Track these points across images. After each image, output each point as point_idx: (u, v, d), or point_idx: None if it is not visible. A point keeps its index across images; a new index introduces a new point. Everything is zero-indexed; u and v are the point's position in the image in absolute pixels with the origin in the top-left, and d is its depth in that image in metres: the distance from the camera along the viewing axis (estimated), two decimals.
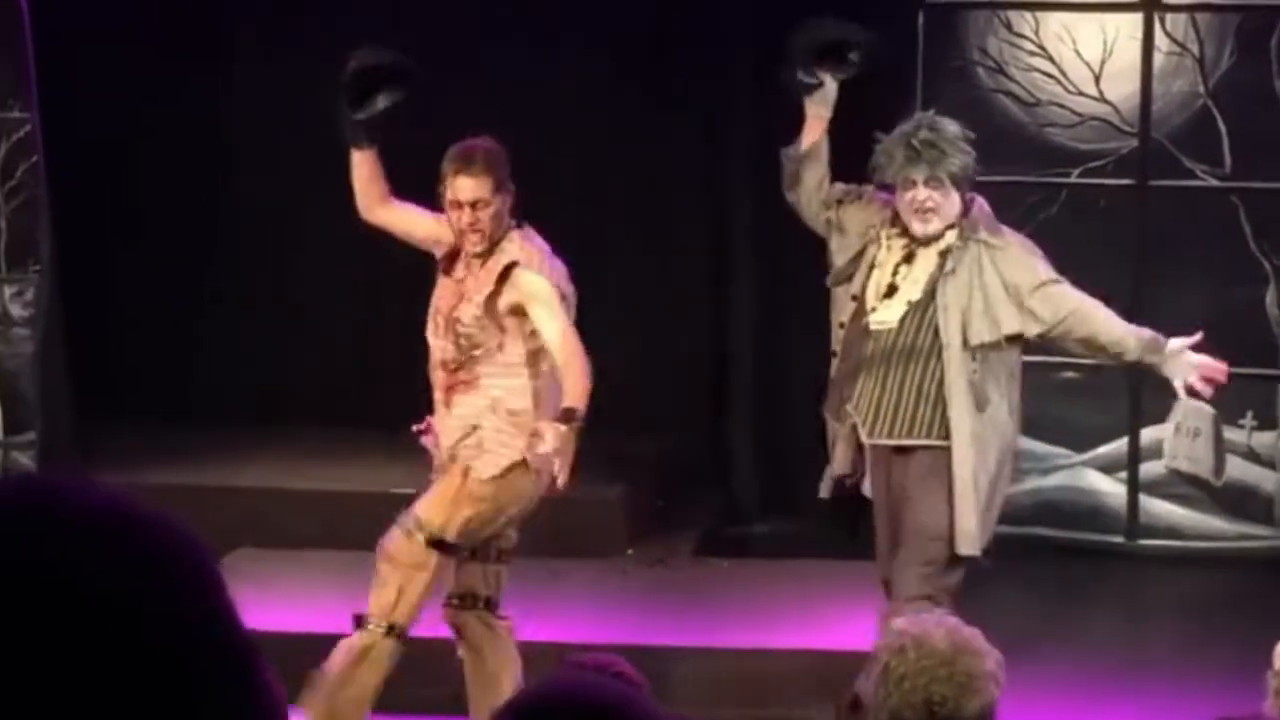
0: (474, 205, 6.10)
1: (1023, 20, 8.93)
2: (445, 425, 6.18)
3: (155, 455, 9.04)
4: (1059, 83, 8.93)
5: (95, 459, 8.83)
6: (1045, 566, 8.65)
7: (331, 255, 9.24)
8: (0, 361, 8.70)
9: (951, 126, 6.35)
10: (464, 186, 6.09)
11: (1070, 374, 8.95)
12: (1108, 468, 8.98)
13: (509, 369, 6.18)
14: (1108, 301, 8.87)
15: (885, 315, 6.28)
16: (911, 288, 6.26)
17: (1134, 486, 8.94)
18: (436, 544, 5.99)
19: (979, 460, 6.17)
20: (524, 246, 6.17)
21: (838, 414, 6.37)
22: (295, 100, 9.57)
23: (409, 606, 5.92)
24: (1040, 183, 8.90)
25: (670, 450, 9.48)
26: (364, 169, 6.25)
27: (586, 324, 9.98)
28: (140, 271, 9.74)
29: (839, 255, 6.42)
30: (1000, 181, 8.94)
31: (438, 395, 6.21)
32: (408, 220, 6.34)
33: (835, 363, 6.41)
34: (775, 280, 9.11)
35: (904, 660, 3.42)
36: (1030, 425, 9.00)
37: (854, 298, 6.33)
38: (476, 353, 6.14)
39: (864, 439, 6.29)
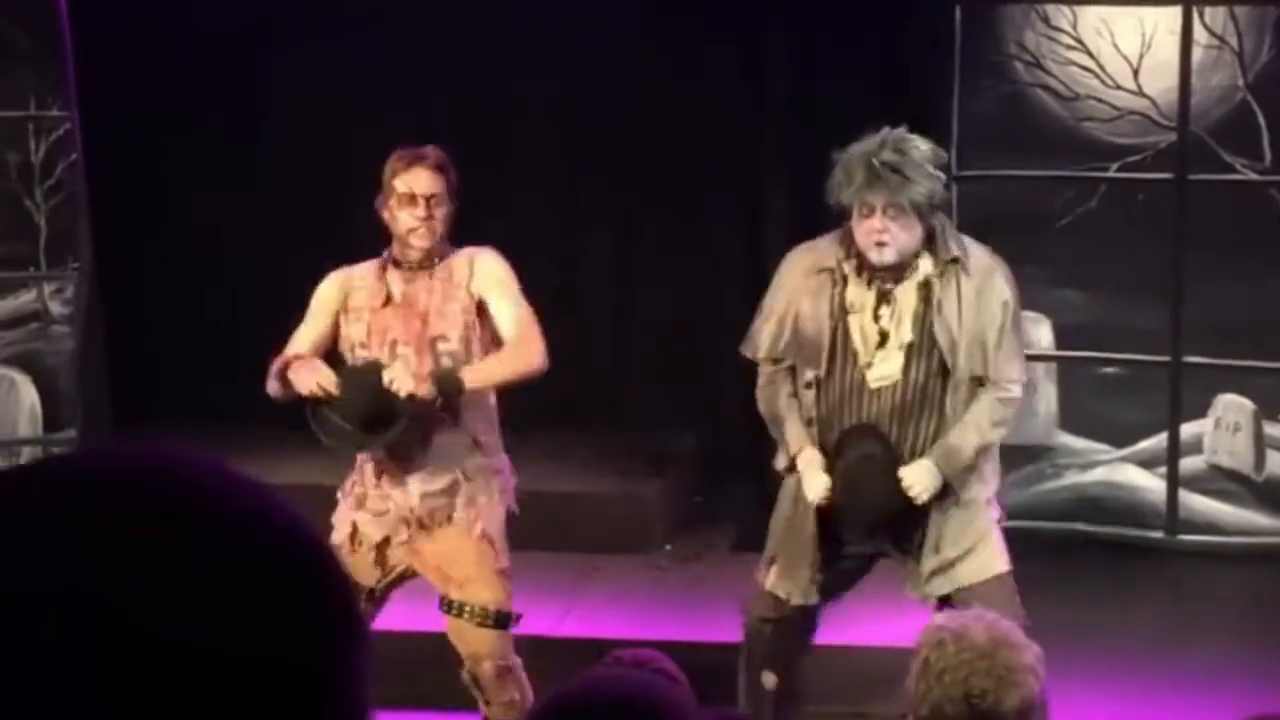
0: (429, 200, 5.68)
1: (1060, 14, 8.90)
2: (420, 471, 5.70)
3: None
4: (1097, 77, 8.89)
5: None
6: (1084, 562, 8.63)
7: (366, 257, 9.25)
8: (40, 359, 8.74)
9: (920, 147, 5.61)
10: (421, 178, 5.68)
11: (1110, 370, 8.92)
12: (1147, 463, 8.94)
13: (485, 395, 5.76)
14: (1149, 298, 8.87)
15: (885, 369, 5.61)
16: (901, 330, 5.60)
17: (1174, 482, 8.91)
18: (506, 620, 5.73)
19: (981, 487, 5.71)
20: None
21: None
22: (332, 102, 9.60)
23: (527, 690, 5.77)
24: (1079, 177, 8.87)
25: (708, 446, 9.48)
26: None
27: (622, 320, 10.02)
28: (177, 270, 9.76)
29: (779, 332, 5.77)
30: (1038, 176, 8.93)
31: (410, 437, 5.63)
32: (316, 342, 5.81)
33: (813, 431, 5.68)
34: None
35: (943, 654, 3.42)
36: (1070, 421, 9.00)
37: (829, 352, 5.63)
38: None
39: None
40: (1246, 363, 8.76)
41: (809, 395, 5.69)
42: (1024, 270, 8.72)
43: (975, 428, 5.57)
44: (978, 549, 5.63)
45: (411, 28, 9.60)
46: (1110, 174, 8.87)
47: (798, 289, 5.70)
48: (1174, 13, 8.78)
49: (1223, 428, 8.90)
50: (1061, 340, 8.93)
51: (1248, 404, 8.84)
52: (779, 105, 9.48)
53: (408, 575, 5.81)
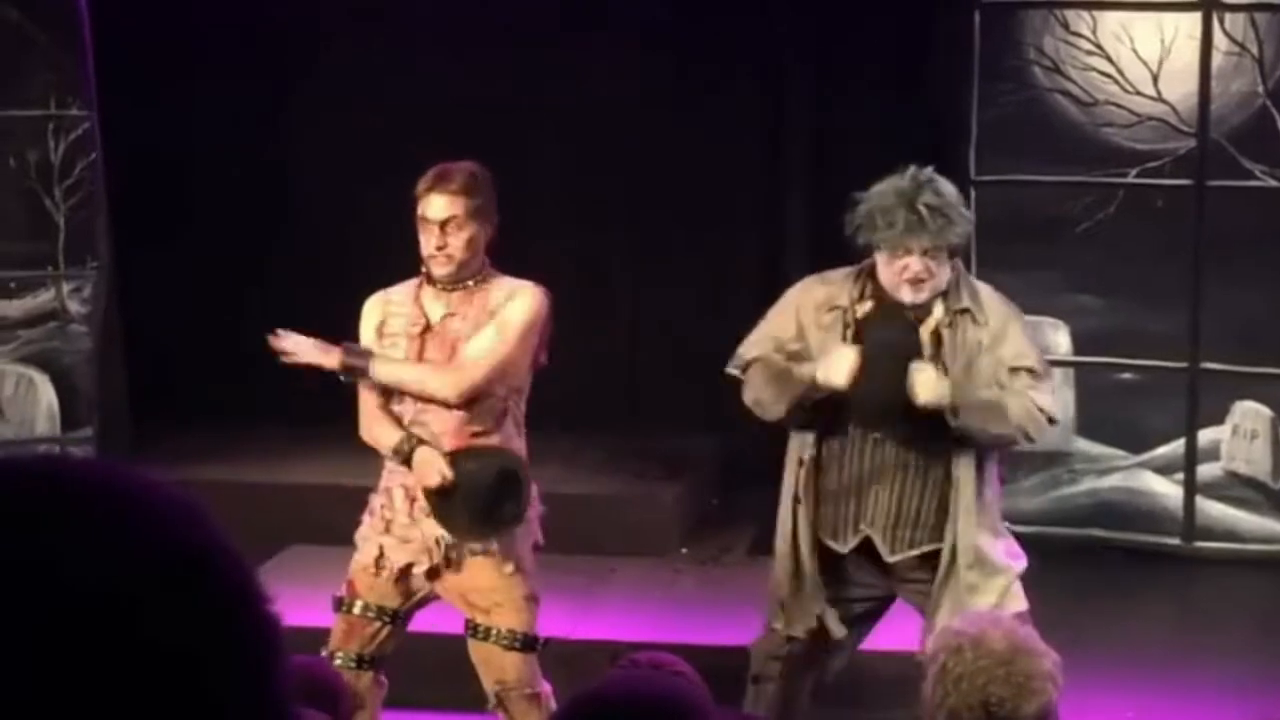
0: (444, 225, 5.54)
1: (1080, 19, 8.89)
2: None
3: (208, 452, 9.08)
4: (1116, 82, 8.88)
5: (149, 455, 8.87)
6: (1101, 568, 8.61)
7: (386, 256, 9.24)
8: (58, 358, 8.75)
9: (951, 187, 5.51)
10: (435, 204, 5.54)
11: (1127, 375, 8.90)
12: (1165, 469, 8.92)
13: (518, 424, 5.70)
14: (1167, 304, 8.85)
15: None
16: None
17: (1191, 488, 8.89)
18: (533, 643, 5.70)
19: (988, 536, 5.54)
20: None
21: (836, 535, 5.60)
22: (354, 104, 9.61)
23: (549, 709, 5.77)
24: (1097, 183, 8.86)
25: (725, 449, 9.47)
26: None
27: (639, 323, 10.02)
28: (195, 269, 9.77)
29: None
30: (1057, 182, 8.91)
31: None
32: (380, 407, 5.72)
33: (803, 473, 5.55)
34: None
35: (961, 660, 3.40)
36: (1087, 426, 8.98)
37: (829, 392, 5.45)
38: (498, 405, 5.62)
39: (886, 558, 5.55)
40: (1265, 369, 8.74)
41: (808, 437, 5.56)
42: (1042, 275, 8.74)
43: (999, 396, 5.42)
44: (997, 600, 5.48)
45: (433, 29, 9.60)
46: (1129, 180, 8.86)
47: (808, 322, 5.56)
48: (1194, 18, 8.76)
49: (1241, 434, 8.88)
50: (1079, 346, 8.91)
51: (1266, 411, 8.82)
52: (800, 109, 9.48)
53: (431, 598, 5.78)
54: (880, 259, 5.44)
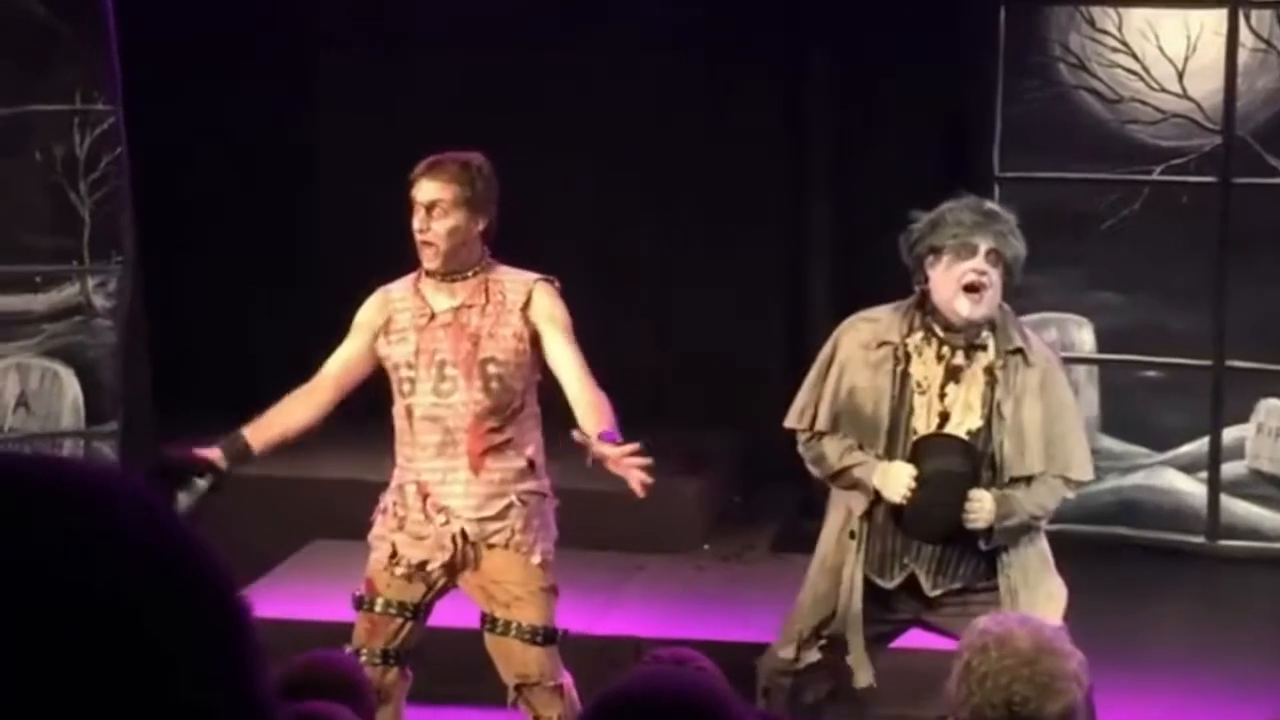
0: (429, 209, 5.53)
1: (1105, 16, 8.87)
2: (469, 495, 5.59)
3: None
4: (1142, 79, 8.86)
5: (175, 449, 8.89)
6: (1124, 566, 8.60)
7: (406, 252, 9.28)
8: (83, 352, 8.77)
9: (1012, 214, 5.50)
10: (423, 188, 5.53)
11: (1152, 373, 8.89)
12: (1189, 467, 8.91)
13: (535, 419, 5.66)
14: (1191, 301, 8.83)
15: None
16: (967, 415, 5.37)
17: (1215, 486, 8.87)
18: (553, 636, 5.67)
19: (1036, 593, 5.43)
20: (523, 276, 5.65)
21: (882, 571, 5.51)
22: (376, 100, 9.63)
23: (576, 704, 5.72)
24: (1122, 180, 8.84)
25: (747, 446, 9.47)
26: (269, 437, 5.81)
27: (662, 320, 10.02)
28: (219, 264, 9.80)
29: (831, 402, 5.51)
30: (1082, 178, 8.90)
31: (459, 460, 5.57)
32: (346, 361, 5.71)
33: (856, 514, 5.49)
34: (851, 276, 9.07)
35: (986, 659, 3.39)
36: (1111, 424, 8.97)
37: (888, 432, 5.39)
38: (516, 401, 5.59)
39: (928, 592, 5.47)
40: None
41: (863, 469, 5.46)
42: (1066, 273, 8.74)
43: (1034, 503, 5.40)
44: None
45: (454, 34, 9.61)
46: (1154, 177, 8.84)
47: (854, 360, 5.46)
48: (1220, 15, 8.74)
49: (1265, 432, 8.87)
50: (1103, 343, 8.90)
51: None
52: (824, 107, 9.47)
53: (450, 588, 5.77)
54: (939, 270, 5.33)
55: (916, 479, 5.33)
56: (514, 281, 5.62)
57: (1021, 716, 3.35)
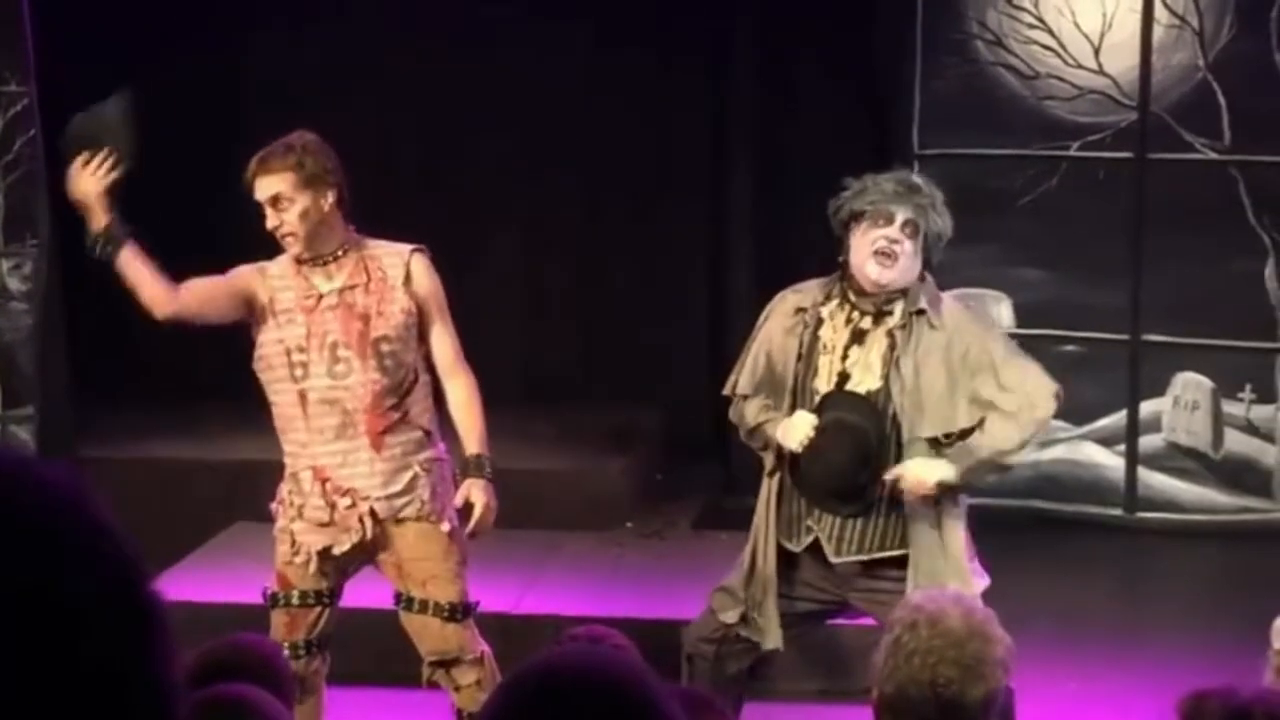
0: (274, 204, 5.49)
1: None
2: (374, 474, 5.52)
3: (153, 429, 9.05)
4: (1058, 55, 8.91)
5: (93, 433, 8.83)
6: (1044, 539, 8.66)
7: None
8: None
9: (940, 192, 5.58)
10: (261, 185, 5.50)
11: (1070, 348, 8.95)
12: (1107, 441, 8.98)
13: (426, 387, 5.59)
14: (1108, 276, 8.90)
15: None
16: (866, 375, 5.43)
17: (1133, 459, 8.95)
18: (469, 611, 5.64)
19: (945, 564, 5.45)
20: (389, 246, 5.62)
21: (790, 534, 5.54)
22: (311, 71, 9.57)
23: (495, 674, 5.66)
24: (1039, 156, 8.89)
25: (670, 424, 9.49)
26: (135, 269, 5.80)
27: (587, 299, 10.02)
28: (143, 246, 9.71)
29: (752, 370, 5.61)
30: (999, 155, 8.94)
31: (360, 441, 5.50)
32: (210, 290, 5.73)
33: (774, 481, 5.54)
34: (773, 254, 9.10)
35: (916, 636, 3.37)
36: None
37: (792, 390, 5.48)
38: (410, 375, 5.53)
39: (831, 558, 5.47)
40: (1205, 341, 8.80)
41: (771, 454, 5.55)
42: (984, 249, 8.78)
43: (990, 446, 5.40)
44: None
45: (386, 16, 9.58)
46: (1071, 153, 8.90)
47: (776, 328, 5.57)
48: None
49: (1181, 406, 8.95)
50: (1021, 318, 8.95)
51: (1206, 382, 8.89)
52: (744, 85, 9.49)
53: (360, 569, 5.71)
54: (856, 235, 5.41)
55: (816, 429, 5.39)
56: (389, 255, 5.57)
57: (944, 698, 3.34)
